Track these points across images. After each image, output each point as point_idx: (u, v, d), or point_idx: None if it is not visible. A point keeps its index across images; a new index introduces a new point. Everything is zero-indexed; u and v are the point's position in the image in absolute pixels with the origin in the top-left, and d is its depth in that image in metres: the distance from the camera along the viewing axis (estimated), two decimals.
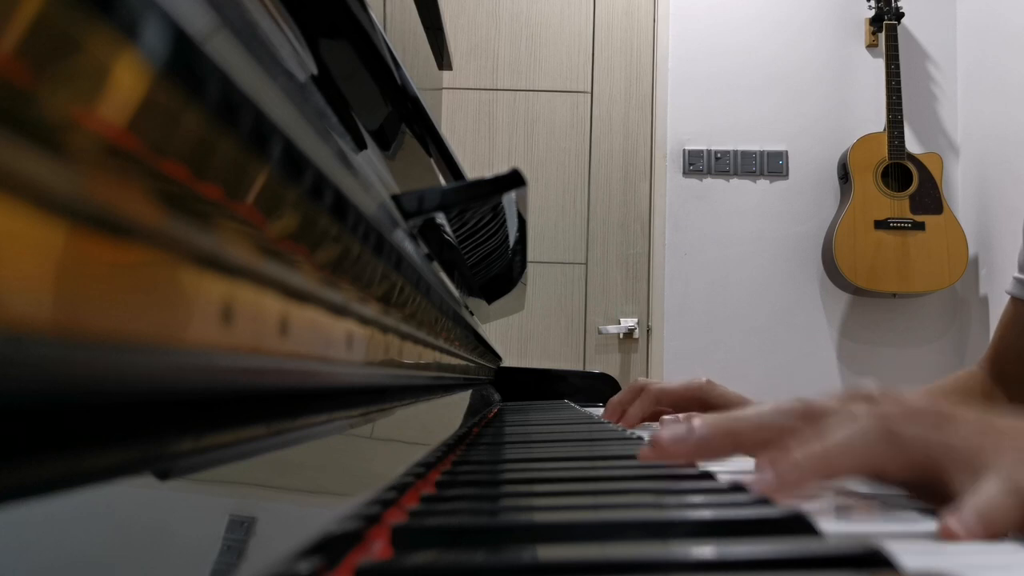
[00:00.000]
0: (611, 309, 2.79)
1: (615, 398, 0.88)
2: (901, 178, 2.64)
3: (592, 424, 0.81)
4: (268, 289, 0.22)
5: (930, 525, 0.31)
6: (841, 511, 0.34)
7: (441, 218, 0.62)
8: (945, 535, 0.29)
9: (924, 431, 0.35)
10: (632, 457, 0.49)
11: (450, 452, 0.53)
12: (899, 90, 2.63)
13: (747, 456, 0.41)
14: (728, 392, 0.84)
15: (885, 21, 2.68)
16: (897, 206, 2.60)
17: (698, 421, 0.40)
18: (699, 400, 0.83)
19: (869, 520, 0.32)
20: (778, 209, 2.79)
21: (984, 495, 0.31)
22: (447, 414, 0.65)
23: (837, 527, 0.29)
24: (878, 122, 2.69)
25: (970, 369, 0.96)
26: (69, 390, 0.13)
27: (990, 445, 0.34)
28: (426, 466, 0.42)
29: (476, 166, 2.76)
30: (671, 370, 2.71)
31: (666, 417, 0.70)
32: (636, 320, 2.77)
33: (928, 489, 0.35)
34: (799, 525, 0.26)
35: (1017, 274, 0.91)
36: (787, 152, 2.79)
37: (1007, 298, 0.94)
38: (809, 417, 0.37)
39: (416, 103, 0.58)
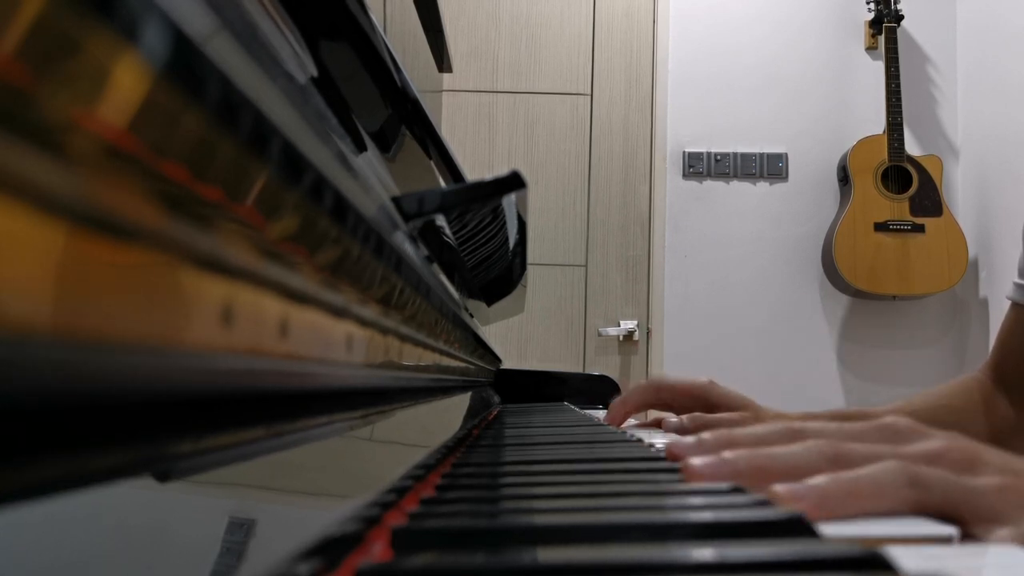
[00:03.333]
0: (611, 311, 2.79)
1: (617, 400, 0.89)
2: (901, 180, 2.64)
3: (592, 426, 0.81)
4: (268, 291, 0.22)
5: (930, 527, 0.31)
6: None
7: (441, 220, 0.62)
8: None
9: (946, 477, 0.35)
10: (632, 458, 0.49)
11: (450, 454, 0.53)
12: (899, 92, 2.63)
13: None
14: (730, 392, 0.84)
15: (885, 23, 2.68)
16: (897, 208, 2.61)
17: (729, 454, 0.39)
18: (701, 399, 0.83)
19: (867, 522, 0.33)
20: (778, 211, 2.79)
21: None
22: (447, 416, 0.65)
23: (837, 530, 0.29)
24: (878, 124, 2.70)
25: (973, 374, 0.95)
26: (69, 391, 0.13)
27: (1011, 495, 0.34)
28: (426, 468, 0.42)
29: (476, 168, 2.77)
30: (671, 372, 2.71)
31: (671, 420, 0.70)
32: (636, 322, 2.77)
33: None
34: (799, 527, 0.26)
35: (1017, 279, 0.91)
36: (787, 154, 2.80)
37: (1007, 301, 0.93)
38: (839, 462, 0.37)
39: (416, 105, 0.58)
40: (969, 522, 0.34)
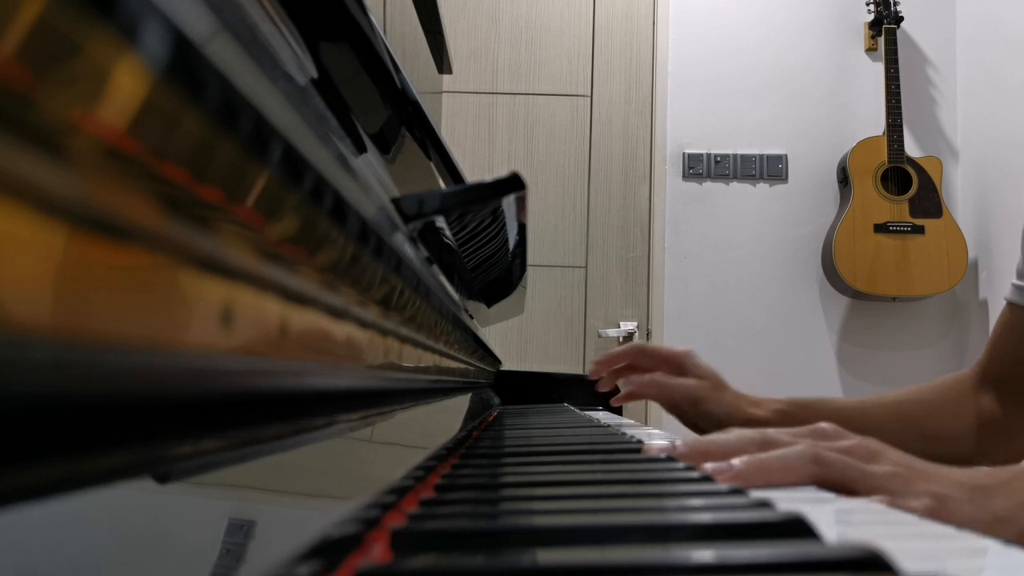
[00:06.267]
0: (611, 312, 2.79)
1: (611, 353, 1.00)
2: (900, 182, 2.64)
3: (592, 428, 0.81)
4: (268, 292, 0.22)
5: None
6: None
7: (441, 221, 0.62)
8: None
9: (845, 459, 0.45)
10: (631, 460, 0.49)
11: (449, 456, 0.53)
12: (898, 94, 2.63)
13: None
14: (702, 364, 0.94)
15: (884, 25, 2.68)
16: (897, 210, 2.61)
17: (681, 444, 0.51)
18: (677, 366, 0.93)
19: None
20: (778, 213, 2.79)
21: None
22: (446, 418, 0.65)
23: (838, 530, 0.29)
24: (877, 126, 2.70)
25: (959, 372, 0.97)
26: (68, 393, 0.13)
27: (899, 479, 0.44)
28: (425, 470, 0.42)
29: (476, 169, 2.77)
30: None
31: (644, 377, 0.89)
32: (636, 323, 2.77)
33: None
34: (799, 529, 0.26)
35: (1015, 280, 0.92)
36: (787, 156, 2.80)
37: (1006, 302, 0.94)
38: (763, 446, 0.47)
39: (416, 107, 0.58)
40: (862, 495, 0.42)
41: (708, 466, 0.44)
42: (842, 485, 0.44)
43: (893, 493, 0.43)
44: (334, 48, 0.41)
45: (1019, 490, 0.44)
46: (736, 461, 0.44)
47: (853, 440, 0.48)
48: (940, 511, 0.42)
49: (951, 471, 0.46)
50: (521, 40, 2.85)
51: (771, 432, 0.50)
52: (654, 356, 0.95)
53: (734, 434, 0.50)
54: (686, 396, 0.89)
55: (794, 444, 0.47)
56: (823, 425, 0.50)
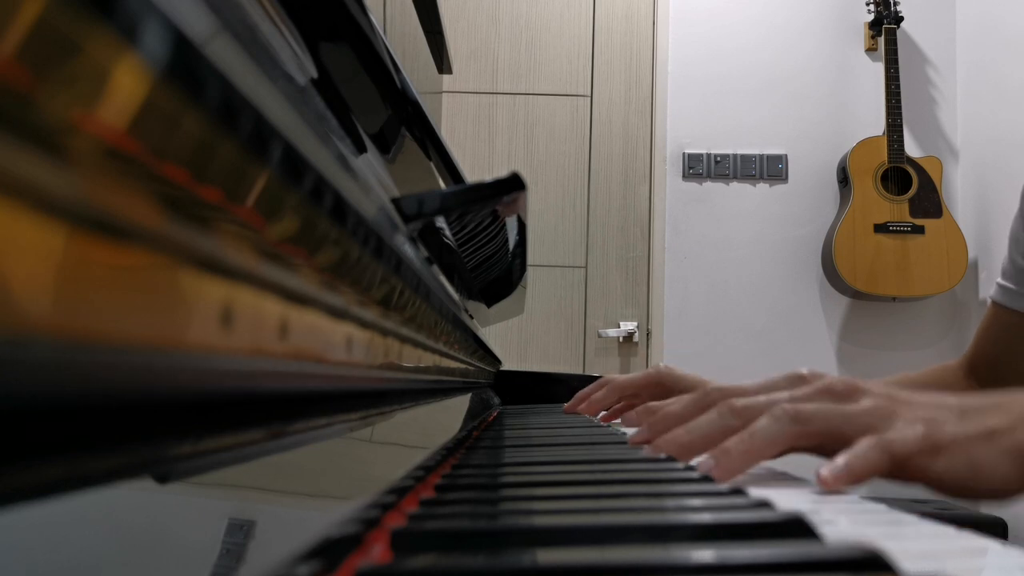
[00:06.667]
0: (611, 312, 2.79)
1: (582, 391, 0.98)
2: (900, 182, 2.64)
3: (592, 428, 0.81)
4: (267, 292, 0.22)
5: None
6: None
7: (441, 222, 0.62)
8: (820, 483, 0.40)
9: (827, 407, 0.45)
10: (631, 460, 0.49)
11: (449, 456, 0.53)
12: (898, 94, 2.63)
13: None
14: (684, 375, 0.93)
15: (884, 25, 2.68)
16: (897, 210, 2.61)
17: (661, 441, 0.51)
18: (660, 386, 0.91)
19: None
20: (778, 213, 2.79)
21: (856, 449, 0.41)
22: (446, 418, 0.65)
23: (839, 530, 0.29)
24: (877, 126, 2.70)
25: (947, 363, 1.00)
26: (68, 393, 0.13)
27: (884, 412, 0.44)
28: (425, 470, 0.42)
29: (476, 169, 2.77)
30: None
31: (628, 414, 0.86)
32: (636, 323, 2.77)
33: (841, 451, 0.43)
34: (799, 529, 0.26)
35: (1000, 280, 0.94)
36: (787, 156, 2.80)
37: (990, 301, 0.97)
38: (743, 416, 0.47)
39: (416, 107, 0.58)
40: (851, 437, 0.43)
41: (698, 463, 0.45)
42: (827, 435, 0.44)
43: (881, 430, 0.43)
44: (334, 48, 0.41)
45: (1012, 408, 0.43)
46: (726, 446, 0.44)
47: (827, 380, 0.47)
48: (933, 435, 0.42)
49: (934, 395, 0.45)
50: (521, 40, 2.85)
51: (746, 401, 0.48)
52: (632, 387, 0.94)
53: (677, 405, 0.51)
54: None
55: (769, 403, 0.47)
56: (801, 371, 0.50)
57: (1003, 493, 0.41)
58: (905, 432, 0.42)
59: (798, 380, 0.49)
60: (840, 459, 0.41)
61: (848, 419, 0.44)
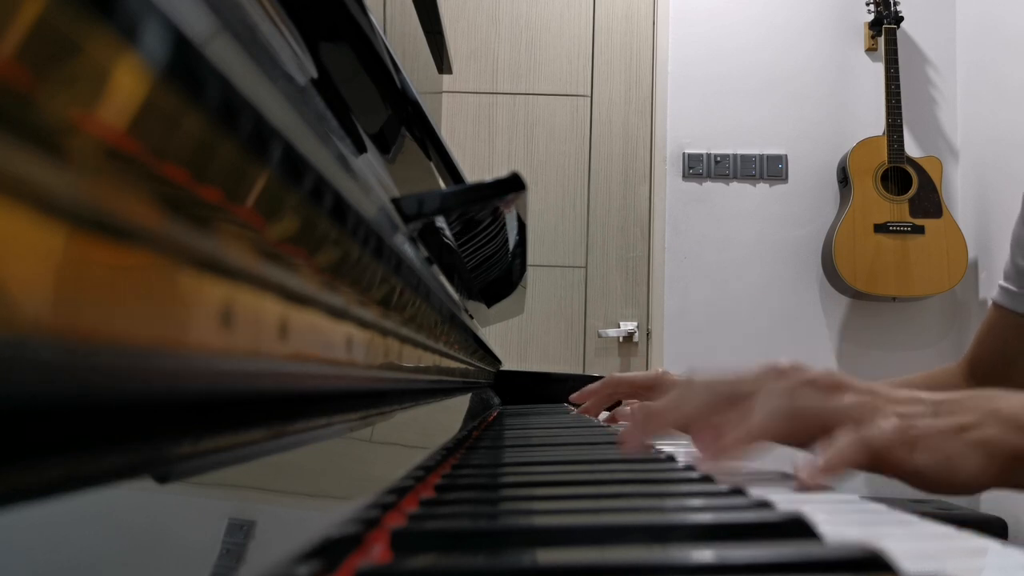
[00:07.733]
0: (611, 312, 2.79)
1: (589, 386, 1.02)
2: (901, 182, 2.64)
3: (592, 428, 0.81)
4: (267, 292, 0.22)
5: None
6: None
7: (441, 221, 0.62)
8: (799, 487, 0.42)
9: (816, 400, 0.47)
10: (631, 460, 0.49)
11: (449, 456, 0.53)
12: (898, 94, 2.63)
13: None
14: (679, 380, 0.91)
15: (884, 25, 2.68)
16: (897, 210, 2.61)
17: (644, 425, 0.53)
18: (655, 388, 0.95)
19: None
20: (778, 213, 2.79)
21: (834, 444, 0.43)
22: (446, 418, 0.65)
23: (838, 530, 0.29)
24: (877, 126, 2.70)
25: (948, 366, 1.00)
26: (68, 393, 0.13)
27: (867, 407, 0.46)
28: (425, 470, 0.42)
29: (476, 169, 2.77)
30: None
31: (627, 409, 0.91)
32: (636, 323, 2.77)
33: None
34: (799, 529, 0.26)
35: (1002, 282, 0.95)
36: (787, 156, 2.80)
37: (991, 303, 0.97)
38: (734, 401, 0.49)
39: (416, 107, 0.58)
40: (832, 431, 0.45)
41: (704, 463, 0.46)
42: (810, 428, 0.46)
43: (861, 421, 0.45)
44: (334, 48, 0.41)
45: (980, 405, 0.45)
46: (728, 442, 0.46)
47: (812, 372, 0.49)
48: (909, 430, 0.44)
49: (914, 392, 0.47)
50: (521, 40, 2.85)
51: (738, 384, 0.51)
52: (629, 384, 0.98)
53: (703, 398, 0.51)
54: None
55: (753, 390, 0.48)
56: (781, 362, 0.51)
57: (975, 486, 0.43)
58: (883, 426, 0.44)
59: (779, 373, 0.50)
60: (819, 457, 0.43)
61: (834, 413, 0.46)
